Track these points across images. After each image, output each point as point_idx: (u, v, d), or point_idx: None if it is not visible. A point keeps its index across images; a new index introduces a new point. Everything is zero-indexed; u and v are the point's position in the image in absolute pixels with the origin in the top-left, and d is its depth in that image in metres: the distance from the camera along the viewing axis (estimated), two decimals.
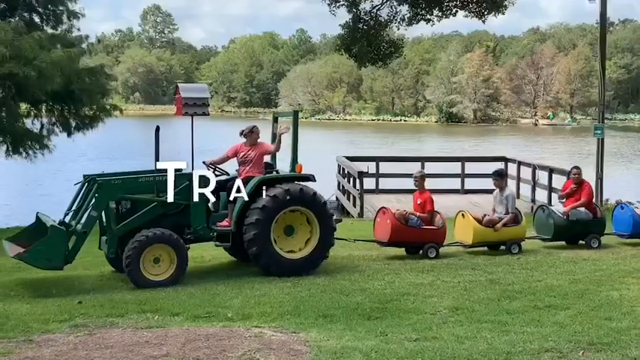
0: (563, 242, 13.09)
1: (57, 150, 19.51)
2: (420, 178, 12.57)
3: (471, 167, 23.62)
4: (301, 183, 10.75)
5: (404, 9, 22.02)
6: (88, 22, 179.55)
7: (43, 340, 6.98)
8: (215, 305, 8.58)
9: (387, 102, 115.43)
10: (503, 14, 21.92)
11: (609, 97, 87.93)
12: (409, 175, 23.01)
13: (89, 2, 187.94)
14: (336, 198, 24.25)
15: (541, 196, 20.31)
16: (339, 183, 24.11)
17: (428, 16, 21.87)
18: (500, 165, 23.44)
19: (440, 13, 21.80)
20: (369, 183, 21.31)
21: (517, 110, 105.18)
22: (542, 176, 20.23)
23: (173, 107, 16.36)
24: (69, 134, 19.18)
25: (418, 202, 12.34)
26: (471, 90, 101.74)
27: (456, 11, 21.79)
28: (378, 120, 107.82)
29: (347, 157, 23.88)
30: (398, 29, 22.68)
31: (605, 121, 21.79)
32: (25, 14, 18.88)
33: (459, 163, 23.43)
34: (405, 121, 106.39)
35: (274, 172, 11.24)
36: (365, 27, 22.11)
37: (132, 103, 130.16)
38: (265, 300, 8.86)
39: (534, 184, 20.36)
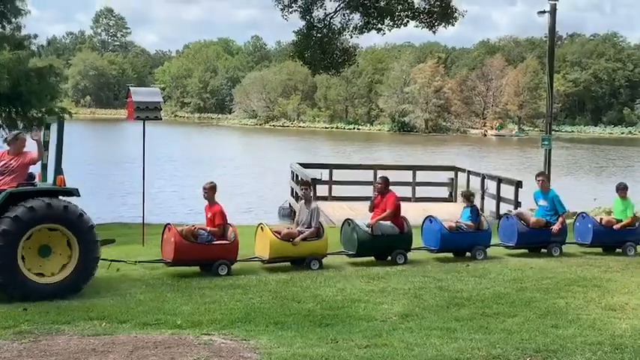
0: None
1: None
2: (210, 190, 11.40)
3: (422, 176, 23.89)
4: (68, 197, 9.63)
5: (356, 17, 22.21)
6: (39, 23, 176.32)
7: None
8: (164, 312, 8.46)
9: (340, 110, 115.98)
10: (453, 25, 22.28)
11: (557, 110, 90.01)
12: (363, 183, 23.26)
13: (40, 3, 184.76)
14: (289, 204, 24.25)
15: (490, 205, 20.65)
16: (292, 189, 24.12)
17: (379, 26, 22.09)
18: (449, 174, 23.82)
19: (391, 23, 22.05)
20: (322, 190, 21.37)
21: (467, 121, 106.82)
22: (492, 186, 20.56)
23: (125, 111, 16.08)
24: None
25: (208, 215, 11.38)
26: (422, 100, 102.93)
27: (407, 21, 22.07)
28: (332, 128, 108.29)
29: (301, 164, 23.92)
30: (351, 37, 22.82)
31: (553, 132, 22.27)
32: None
33: (411, 172, 23.66)
34: (358, 129, 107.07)
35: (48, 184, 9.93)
36: (318, 34, 22.21)
37: (83, 106, 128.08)
38: (215, 307, 8.78)
39: (483, 194, 20.68)
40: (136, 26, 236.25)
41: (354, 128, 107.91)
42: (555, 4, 21.24)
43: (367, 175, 23.39)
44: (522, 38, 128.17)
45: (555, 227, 12.90)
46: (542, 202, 13.31)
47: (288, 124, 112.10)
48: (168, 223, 11.42)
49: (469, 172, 22.38)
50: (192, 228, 11.18)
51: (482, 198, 20.67)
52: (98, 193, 29.02)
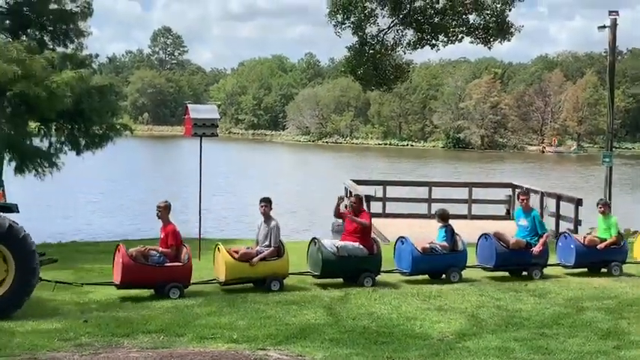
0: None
1: (66, 169, 19.56)
2: (164, 209, 10.94)
3: (478, 193, 23.59)
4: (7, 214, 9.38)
5: (409, 33, 22.14)
6: (99, 42, 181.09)
7: (48, 358, 6.95)
8: (220, 326, 8.54)
9: (394, 126, 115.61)
10: (509, 41, 21.99)
11: (617, 126, 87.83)
12: (417, 200, 23.11)
13: (100, 23, 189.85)
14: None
15: (549, 223, 20.25)
16: (346, 206, 24.09)
17: (433, 42, 21.97)
18: (506, 191, 23.40)
19: (445, 39, 21.90)
20: (376, 207, 21.28)
21: (524, 137, 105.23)
22: (551, 204, 20.17)
23: (181, 128, 16.36)
24: (78, 153, 19.16)
25: (162, 236, 10.95)
26: (478, 116, 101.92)
27: (462, 37, 21.89)
28: (385, 144, 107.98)
29: (354, 181, 23.89)
30: (404, 53, 22.74)
31: (613, 149, 21.76)
32: (37, 33, 19.01)
33: (467, 189, 23.39)
34: (412, 145, 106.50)
35: None
36: (371, 50, 22.20)
37: (140, 123, 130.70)
38: (271, 322, 8.82)
39: (541, 211, 20.28)
40: (193, 44, 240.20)
41: (407, 145, 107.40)
42: (616, 18, 20.81)
43: (422, 192, 23.24)
44: (581, 53, 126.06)
45: (536, 249, 12.27)
46: (522, 222, 12.68)
47: (341, 141, 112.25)
48: (119, 244, 10.92)
49: (527, 190, 21.98)
50: (143, 249, 10.67)
51: (542, 216, 20.26)
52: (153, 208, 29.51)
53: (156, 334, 8.16)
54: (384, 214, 22.20)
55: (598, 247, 12.76)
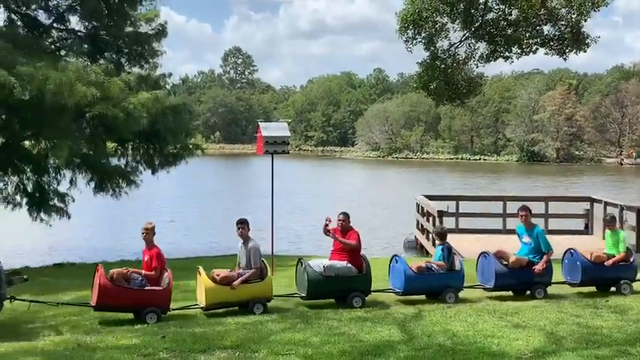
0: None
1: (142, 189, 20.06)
2: (150, 231, 10.62)
3: (555, 207, 22.99)
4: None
5: (482, 46, 21.83)
6: (172, 63, 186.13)
7: None
8: (294, 343, 8.56)
9: (465, 140, 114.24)
10: (585, 52, 21.40)
11: None
12: (491, 215, 22.70)
13: (173, 45, 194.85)
14: (415, 237, 24.02)
15: (630, 238, 19.57)
16: (417, 222, 23.89)
17: (506, 54, 21.59)
18: (584, 205, 22.76)
19: (519, 51, 21.48)
20: (448, 222, 21.01)
21: (601, 149, 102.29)
22: (631, 217, 19.50)
23: (252, 146, 16.57)
24: (153, 172, 19.67)
25: (145, 258, 10.65)
26: (553, 128, 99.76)
27: (537, 49, 21.44)
28: (457, 159, 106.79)
29: (426, 196, 23.67)
30: (476, 67, 22.43)
31: None
32: (113, 56, 19.63)
33: (543, 203, 22.84)
34: (484, 160, 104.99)
35: None
36: (442, 65, 21.99)
37: (212, 142, 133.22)
38: (345, 339, 8.78)
39: (621, 225, 19.63)
40: (262, 63, 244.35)
41: (480, 159, 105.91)
42: None
43: (496, 206, 22.82)
44: None
45: (538, 267, 11.66)
46: (525, 239, 12.06)
47: (411, 156, 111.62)
48: (98, 264, 10.78)
49: (606, 203, 21.29)
50: (125, 271, 10.36)
51: (621, 229, 19.61)
52: (228, 226, 29.97)
53: (232, 349, 8.24)
54: (457, 230, 21.89)
55: (605, 263, 12.08)
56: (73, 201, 19.55)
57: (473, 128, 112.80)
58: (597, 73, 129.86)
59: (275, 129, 15.08)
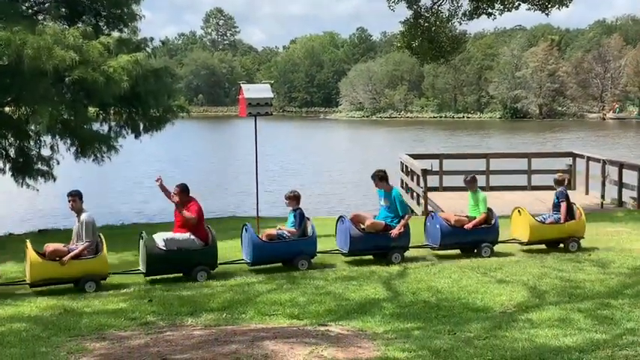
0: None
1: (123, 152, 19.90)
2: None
3: (538, 163, 23.13)
4: None
5: (465, 3, 21.68)
6: (151, 26, 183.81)
7: (115, 337, 7.14)
8: (281, 303, 8.63)
9: (449, 99, 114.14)
10: (567, 7, 21.26)
11: None
12: (475, 172, 22.78)
13: (152, 7, 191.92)
14: None
15: (612, 192, 19.78)
16: (402, 181, 23.96)
17: (489, 10, 21.42)
18: (566, 161, 22.93)
19: (502, 7, 21.30)
20: (433, 181, 21.10)
21: (584, 104, 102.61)
22: (613, 172, 19.67)
23: (235, 108, 16.46)
24: (137, 136, 19.54)
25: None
26: (535, 85, 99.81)
27: (519, 4, 21.25)
28: (441, 117, 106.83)
29: (410, 155, 23.70)
30: (460, 24, 22.26)
31: None
32: (91, 19, 19.31)
33: (526, 159, 22.97)
34: (468, 117, 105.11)
35: None
36: (426, 23, 21.82)
37: (195, 105, 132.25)
38: (331, 298, 8.87)
39: (604, 180, 19.82)
40: (244, 24, 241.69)
41: (463, 117, 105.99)
42: None
43: (479, 164, 22.91)
44: None
45: (394, 231, 11.24)
46: (383, 202, 11.62)
47: (395, 115, 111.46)
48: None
49: (588, 158, 21.43)
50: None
51: (603, 185, 19.79)
52: (219, 188, 29.97)
53: (218, 311, 8.30)
54: (441, 188, 22.01)
55: (465, 226, 11.77)
56: (58, 164, 19.45)
57: (456, 86, 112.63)
58: (579, 29, 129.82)
59: (257, 90, 14.94)
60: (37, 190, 19.57)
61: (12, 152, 19.19)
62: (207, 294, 9.28)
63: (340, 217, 11.73)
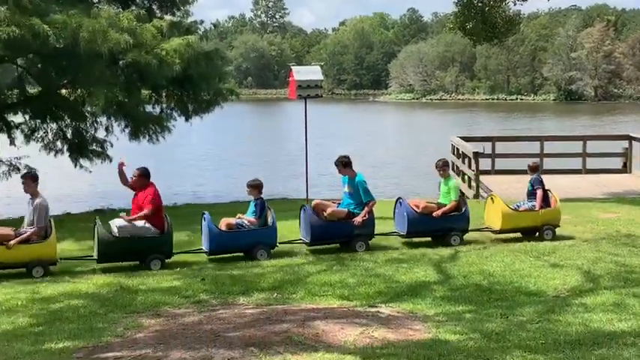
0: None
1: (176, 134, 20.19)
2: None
3: (593, 146, 22.64)
4: None
5: None
6: (203, 9, 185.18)
7: (169, 314, 7.28)
8: (331, 284, 8.67)
9: (501, 80, 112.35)
10: None
11: None
12: (528, 155, 22.44)
13: None
14: None
15: None
16: (453, 164, 23.73)
17: None
18: (623, 144, 22.38)
19: None
20: (485, 164, 20.84)
21: None
22: None
23: (284, 91, 16.52)
24: (187, 118, 19.77)
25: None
26: (591, 66, 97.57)
27: None
28: (493, 99, 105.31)
29: (461, 138, 23.44)
30: (514, 5, 21.83)
31: None
32: (145, 2, 19.54)
33: (581, 142, 22.48)
34: (521, 99, 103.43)
35: None
36: (480, 4, 21.47)
37: (245, 87, 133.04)
38: (381, 280, 8.86)
39: None
40: (293, 6, 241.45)
41: (516, 99, 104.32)
42: None
43: (533, 146, 22.52)
44: None
45: (357, 219, 10.87)
46: (346, 189, 11.25)
47: (446, 98, 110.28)
48: None
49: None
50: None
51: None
52: (270, 170, 30.16)
53: (269, 291, 8.38)
54: (493, 171, 21.72)
55: (434, 214, 11.40)
56: (112, 146, 19.87)
57: (509, 67, 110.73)
58: (636, 9, 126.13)
59: (307, 72, 14.96)
60: (91, 171, 20.05)
61: (69, 133, 19.67)
62: (258, 274, 9.38)
63: (302, 206, 11.39)
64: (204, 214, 10.91)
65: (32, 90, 19.43)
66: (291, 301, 7.88)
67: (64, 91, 18.64)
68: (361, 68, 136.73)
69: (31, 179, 10.06)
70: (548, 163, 21.94)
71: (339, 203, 11.35)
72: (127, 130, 19.15)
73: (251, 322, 6.67)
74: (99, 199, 22.61)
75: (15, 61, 18.35)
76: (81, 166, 19.84)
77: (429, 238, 11.62)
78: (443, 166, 11.85)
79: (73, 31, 14.69)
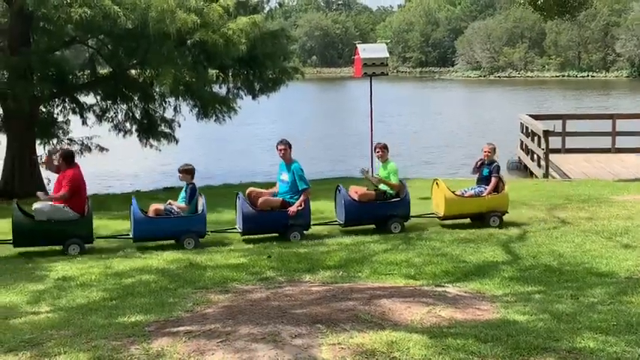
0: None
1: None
2: None
3: None
4: None
5: None
6: None
7: (237, 290, 7.40)
8: (397, 263, 8.65)
9: (572, 57, 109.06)
10: None
11: None
12: (600, 134, 21.82)
13: None
14: (519, 158, 23.47)
15: None
16: (522, 142, 23.28)
17: None
18: None
19: None
20: (554, 142, 20.37)
21: None
22: None
23: (349, 69, 16.47)
24: (254, 97, 19.94)
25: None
26: None
27: None
28: (563, 76, 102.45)
29: (531, 115, 22.96)
30: None
31: None
32: None
33: None
34: (592, 77, 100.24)
35: None
36: None
37: (309, 66, 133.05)
38: (447, 260, 8.80)
39: None
40: None
41: (587, 76, 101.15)
42: None
43: (605, 125, 21.88)
44: None
45: (292, 209, 10.44)
46: (283, 177, 10.76)
47: (515, 75, 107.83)
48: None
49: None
50: None
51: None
52: (334, 150, 30.19)
53: (335, 269, 8.42)
54: (563, 150, 21.22)
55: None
56: (179, 126, 20.23)
57: (580, 43, 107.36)
58: None
59: (373, 50, 14.92)
60: (159, 150, 20.49)
61: (137, 114, 20.09)
62: (323, 252, 9.43)
63: (237, 193, 10.91)
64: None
65: (102, 71, 19.92)
66: (357, 280, 7.89)
67: (133, 72, 19.03)
68: (427, 45, 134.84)
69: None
70: (621, 141, 21.31)
71: (276, 193, 10.92)
72: (194, 111, 19.44)
73: (317, 300, 6.71)
74: (172, 178, 23.09)
75: (86, 42, 18.84)
76: (150, 146, 20.30)
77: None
78: (383, 148, 11.25)
79: (142, 11, 14.97)
